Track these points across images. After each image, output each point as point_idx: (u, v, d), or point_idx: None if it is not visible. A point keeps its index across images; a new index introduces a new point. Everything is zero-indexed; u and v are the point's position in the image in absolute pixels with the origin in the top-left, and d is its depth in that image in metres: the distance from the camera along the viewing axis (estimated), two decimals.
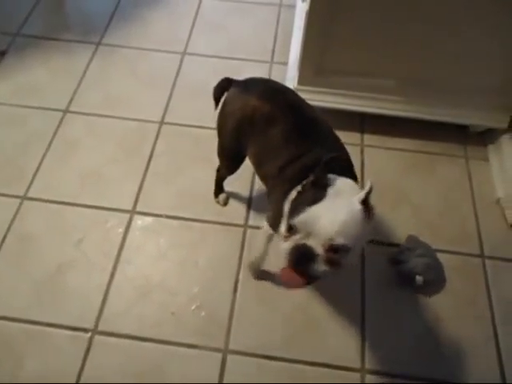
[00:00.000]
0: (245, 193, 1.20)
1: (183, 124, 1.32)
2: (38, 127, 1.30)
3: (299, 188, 0.71)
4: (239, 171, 1.01)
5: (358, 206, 0.65)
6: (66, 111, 1.33)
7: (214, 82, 1.38)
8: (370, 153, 1.28)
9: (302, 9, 1.36)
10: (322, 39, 1.03)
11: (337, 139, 0.83)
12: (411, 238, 1.10)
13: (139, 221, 1.14)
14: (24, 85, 1.39)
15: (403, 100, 1.21)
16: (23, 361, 0.95)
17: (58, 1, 1.64)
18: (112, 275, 1.06)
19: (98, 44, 1.50)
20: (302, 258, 0.65)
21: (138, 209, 1.16)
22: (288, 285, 0.70)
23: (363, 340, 0.99)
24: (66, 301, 1.03)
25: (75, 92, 1.38)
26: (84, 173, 1.21)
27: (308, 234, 0.64)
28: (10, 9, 1.58)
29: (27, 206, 1.16)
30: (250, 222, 1.15)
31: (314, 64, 1.12)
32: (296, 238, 0.65)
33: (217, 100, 0.93)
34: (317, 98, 1.23)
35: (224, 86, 0.92)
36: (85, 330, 0.99)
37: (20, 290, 1.04)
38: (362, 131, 1.31)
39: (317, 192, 0.66)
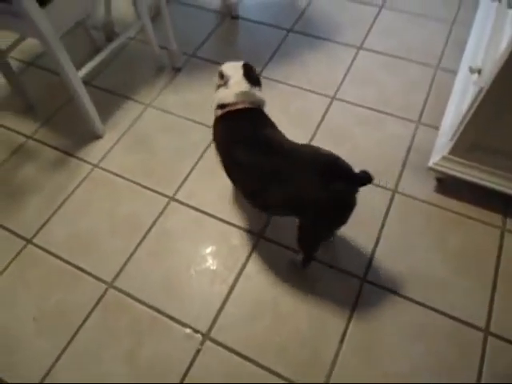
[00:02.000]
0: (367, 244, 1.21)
1: None
2: (195, 139, 1.48)
3: None
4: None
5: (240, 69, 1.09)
6: None
7: (356, 129, 1.46)
8: (510, 239, 1.20)
9: (467, 78, 1.35)
10: (492, 117, 1.02)
11: None
12: None
13: (265, 246, 1.23)
14: (191, 100, 1.60)
15: None
16: (142, 341, 1.08)
17: (231, 31, 1.85)
18: (231, 288, 1.16)
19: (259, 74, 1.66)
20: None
21: (266, 234, 1.25)
22: None
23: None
24: (189, 299, 1.15)
25: None
26: (224, 189, 1.35)
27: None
28: (191, 34, 1.84)
29: (173, 206, 1.32)
30: (369, 277, 1.16)
31: (473, 138, 1.10)
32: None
33: None
34: (463, 171, 1.20)
35: None
36: (199, 332, 1.09)
37: (153, 278, 1.19)
38: (505, 214, 1.24)
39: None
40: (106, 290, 1.17)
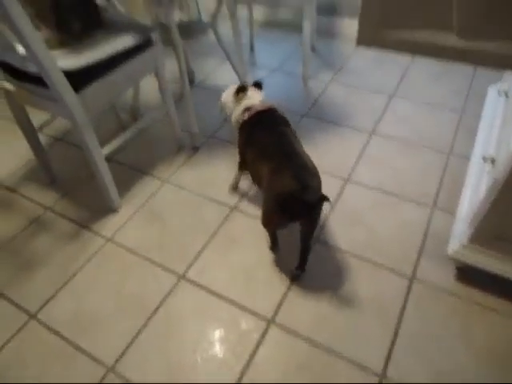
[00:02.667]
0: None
1: (335, 247, 1.36)
2: (209, 216, 1.49)
3: None
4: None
5: (230, 92, 1.44)
6: (233, 208, 1.51)
7: (370, 213, 1.46)
8: None
9: (480, 164, 1.36)
10: (509, 208, 1.00)
11: None
12: None
13: (276, 333, 1.16)
14: (207, 178, 1.64)
15: None
16: None
17: None
18: (239, 379, 1.07)
19: None
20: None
21: (278, 320, 1.19)
22: None
23: None
24: None
25: (247, 193, 1.57)
26: (237, 269, 1.32)
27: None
28: (211, 115, 1.95)
29: (182, 285, 1.29)
30: (389, 373, 1.06)
31: (493, 228, 1.07)
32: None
33: None
34: (484, 261, 1.16)
35: None
36: None
37: (156, 364, 1.11)
38: None
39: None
40: (106, 374, 1.10)
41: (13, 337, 1.20)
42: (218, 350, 1.14)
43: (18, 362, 1.14)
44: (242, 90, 1.40)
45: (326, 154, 1.71)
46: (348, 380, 1.06)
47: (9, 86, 1.35)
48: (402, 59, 2.25)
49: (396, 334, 1.14)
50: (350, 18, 2.50)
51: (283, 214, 1.11)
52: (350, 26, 2.51)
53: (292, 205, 1.06)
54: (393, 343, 1.12)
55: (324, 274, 1.29)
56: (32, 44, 1.06)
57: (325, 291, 1.25)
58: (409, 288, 1.24)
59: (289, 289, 1.26)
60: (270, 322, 1.18)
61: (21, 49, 1.10)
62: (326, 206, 1.49)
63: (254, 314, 1.21)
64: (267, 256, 1.35)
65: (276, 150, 1.21)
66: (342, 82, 2.12)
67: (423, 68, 2.18)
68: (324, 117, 1.90)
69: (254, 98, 1.40)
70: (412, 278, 1.26)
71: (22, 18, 1.01)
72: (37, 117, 1.54)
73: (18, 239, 1.47)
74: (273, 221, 1.21)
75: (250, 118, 1.35)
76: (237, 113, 1.39)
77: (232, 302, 1.23)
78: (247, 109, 1.36)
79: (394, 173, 1.61)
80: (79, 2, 1.34)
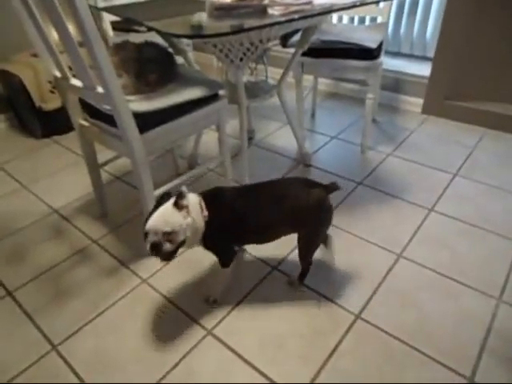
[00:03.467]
0: None
1: (379, 327, 1.22)
2: (246, 272, 1.42)
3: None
4: None
5: (170, 205, 1.08)
6: (273, 268, 1.44)
7: (424, 295, 1.31)
8: None
9: None
10: None
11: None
12: None
13: None
14: None
15: None
16: None
17: (302, 176, 1.94)
18: None
19: None
20: (155, 249, 1.06)
21: None
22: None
23: None
24: None
25: (288, 254, 1.50)
26: (268, 335, 1.21)
27: (152, 233, 1.06)
28: (264, 173, 1.96)
29: (209, 341, 1.20)
30: None
31: None
32: (149, 240, 1.06)
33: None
34: None
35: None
36: None
37: None
38: None
39: (153, 210, 1.10)
40: None
41: (31, 365, 1.16)
42: None
43: None
44: (180, 197, 1.08)
45: (379, 226, 1.61)
46: None
47: (84, 122, 1.47)
48: (467, 139, 2.17)
49: None
50: (412, 96, 2.51)
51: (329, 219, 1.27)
52: (412, 103, 2.51)
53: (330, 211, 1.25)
54: None
55: (364, 355, 1.14)
56: (111, 87, 1.15)
57: (366, 377, 1.09)
58: None
59: (321, 369, 1.12)
60: None
61: (100, 89, 1.20)
62: (374, 280, 1.37)
63: None
64: (301, 327, 1.24)
65: (276, 193, 1.22)
66: (402, 155, 2.07)
67: (490, 149, 2.08)
68: (380, 188, 1.84)
69: (192, 198, 1.14)
70: (471, 380, 1.07)
71: (107, 65, 1.12)
72: (102, 155, 1.64)
73: (60, 266, 1.49)
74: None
75: (214, 207, 1.16)
76: (197, 219, 1.12)
77: (256, 370, 1.12)
78: (201, 206, 1.15)
79: (453, 255, 1.47)
80: (160, 57, 1.48)
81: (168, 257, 1.10)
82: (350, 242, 1.54)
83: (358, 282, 1.37)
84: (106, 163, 1.67)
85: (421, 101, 2.46)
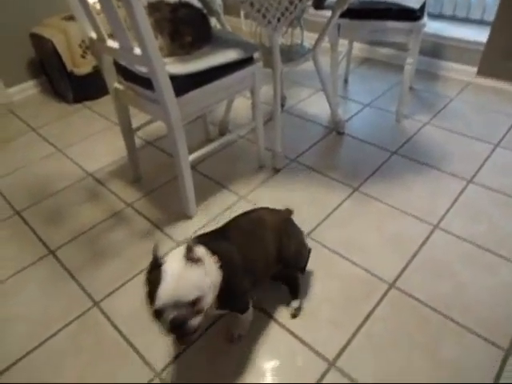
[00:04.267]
0: None
1: (414, 297, 1.22)
2: None
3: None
4: None
5: (181, 265, 0.82)
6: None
7: (460, 267, 1.29)
8: None
9: None
10: None
11: None
12: None
13: (335, 377, 1.04)
14: (282, 200, 1.59)
15: None
16: None
17: (335, 145, 1.91)
18: None
19: (356, 189, 1.63)
20: (179, 328, 0.79)
21: (338, 364, 1.07)
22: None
23: None
24: None
25: (320, 223, 1.49)
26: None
27: (171, 307, 0.78)
28: (296, 141, 1.93)
29: None
30: None
31: None
32: (168, 317, 0.78)
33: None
34: None
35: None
36: None
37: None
38: None
39: (155, 275, 0.82)
40: (152, 379, 1.07)
41: (74, 320, 1.23)
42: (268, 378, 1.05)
43: (74, 346, 1.16)
44: (190, 249, 0.85)
45: (415, 196, 1.58)
46: None
47: (119, 86, 1.47)
48: (510, 108, 2.06)
49: None
50: (453, 61, 2.37)
51: None
52: (452, 70, 2.38)
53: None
54: None
55: (399, 324, 1.15)
56: (149, 48, 1.13)
57: (398, 344, 1.10)
58: (503, 361, 1.04)
59: (356, 332, 1.14)
60: (330, 364, 1.07)
61: (138, 51, 1.18)
62: (408, 251, 1.36)
63: (315, 352, 1.10)
64: (333, 293, 1.25)
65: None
66: (439, 124, 1.99)
67: None
68: (416, 157, 1.78)
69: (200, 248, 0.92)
70: (508, 352, 1.07)
71: (145, 25, 1.10)
72: (134, 120, 1.64)
73: (97, 228, 1.54)
74: None
75: (222, 253, 0.94)
76: (213, 272, 0.89)
77: (294, 335, 1.14)
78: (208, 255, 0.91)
79: (491, 227, 1.42)
80: (195, 18, 1.44)
81: (195, 334, 0.83)
82: (384, 212, 1.52)
83: (392, 252, 1.36)
84: (138, 128, 1.68)
85: (462, 67, 2.33)
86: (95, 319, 1.22)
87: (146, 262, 1.36)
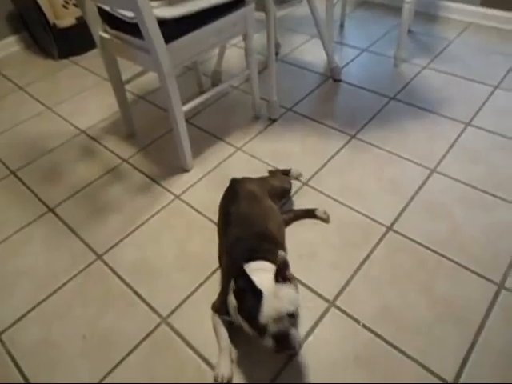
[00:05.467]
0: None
1: (411, 238, 1.24)
2: None
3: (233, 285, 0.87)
4: None
5: (270, 280, 0.85)
6: (304, 183, 1.45)
7: (457, 209, 1.31)
8: None
9: None
10: None
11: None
12: None
13: (334, 316, 1.08)
14: (279, 150, 1.58)
15: None
16: None
17: (331, 93, 1.86)
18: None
19: (353, 137, 1.61)
20: (286, 341, 0.81)
21: (337, 303, 1.11)
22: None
23: None
24: None
25: (317, 171, 1.49)
26: (300, 248, 1.25)
27: (274, 321, 0.80)
28: (292, 90, 1.88)
29: None
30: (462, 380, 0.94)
31: None
32: (272, 330, 0.81)
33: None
34: None
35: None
36: None
37: (207, 325, 1.09)
38: None
39: (251, 290, 0.83)
40: (159, 324, 1.11)
41: (79, 273, 1.25)
42: None
43: (81, 298, 1.19)
44: (284, 266, 0.88)
45: (412, 141, 1.56)
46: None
47: (105, 35, 1.40)
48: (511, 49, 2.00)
49: (474, 344, 1.00)
50: (452, 1, 2.27)
51: None
52: (452, 10, 2.28)
53: None
54: (469, 353, 0.99)
55: (397, 264, 1.18)
56: None
57: (396, 283, 1.14)
58: (495, 296, 1.09)
59: (354, 274, 1.17)
60: (331, 304, 1.11)
61: None
62: (406, 194, 1.37)
63: (315, 293, 1.14)
64: (331, 237, 1.27)
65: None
66: (438, 68, 1.93)
67: None
68: (414, 102, 1.75)
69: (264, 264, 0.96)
70: (500, 286, 1.11)
71: None
72: (125, 73, 1.58)
73: (94, 185, 1.53)
74: None
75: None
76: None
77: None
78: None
79: (488, 169, 1.43)
80: None
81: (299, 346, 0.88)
82: (382, 158, 1.51)
83: (390, 196, 1.37)
84: (129, 81, 1.62)
85: (462, 6, 2.23)
86: (100, 271, 1.25)
87: (145, 216, 1.39)
